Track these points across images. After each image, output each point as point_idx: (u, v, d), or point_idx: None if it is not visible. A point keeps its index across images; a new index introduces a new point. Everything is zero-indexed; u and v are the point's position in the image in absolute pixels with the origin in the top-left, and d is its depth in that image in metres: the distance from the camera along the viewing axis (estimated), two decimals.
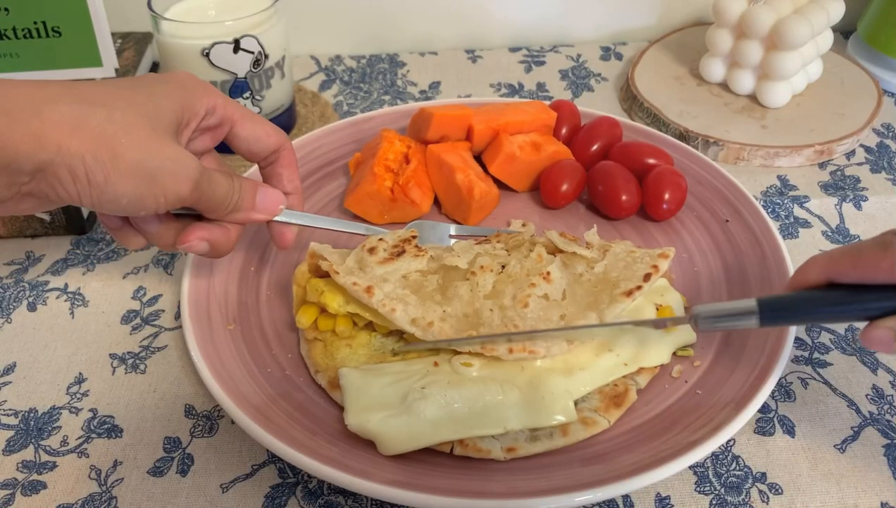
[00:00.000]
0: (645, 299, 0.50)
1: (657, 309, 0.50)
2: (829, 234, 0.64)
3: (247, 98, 0.68)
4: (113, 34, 0.75)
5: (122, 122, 0.39)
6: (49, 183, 0.38)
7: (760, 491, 0.45)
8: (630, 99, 0.79)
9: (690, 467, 0.47)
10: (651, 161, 0.62)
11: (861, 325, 0.41)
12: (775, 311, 0.41)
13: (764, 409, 0.50)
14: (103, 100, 0.39)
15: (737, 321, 0.42)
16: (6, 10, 0.64)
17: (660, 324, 0.47)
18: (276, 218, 0.50)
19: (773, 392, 0.51)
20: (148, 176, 0.40)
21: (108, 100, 0.40)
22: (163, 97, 0.43)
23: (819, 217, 0.66)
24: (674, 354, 0.50)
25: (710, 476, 0.46)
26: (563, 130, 0.67)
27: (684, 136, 0.72)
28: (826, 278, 0.41)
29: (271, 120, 0.71)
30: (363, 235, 0.55)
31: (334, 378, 0.47)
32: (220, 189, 0.45)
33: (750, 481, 0.46)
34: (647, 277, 0.48)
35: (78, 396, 0.52)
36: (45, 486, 0.46)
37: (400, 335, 0.50)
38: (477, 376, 0.46)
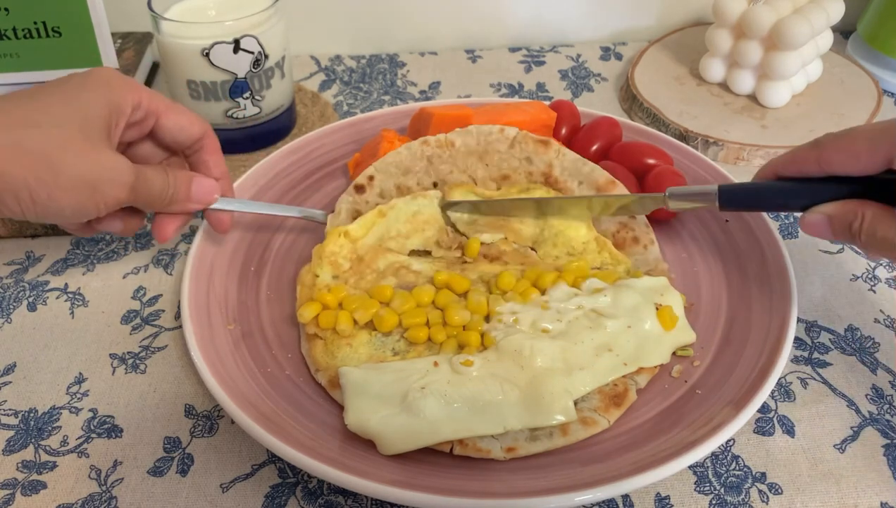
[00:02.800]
0: (644, 299, 0.50)
1: (657, 309, 0.50)
2: None
3: (247, 98, 0.68)
4: (113, 34, 0.75)
5: (58, 139, 0.42)
6: None
7: (760, 491, 0.46)
8: (630, 99, 0.79)
9: (690, 467, 0.47)
10: (651, 161, 0.62)
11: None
12: (731, 193, 0.49)
13: (764, 409, 0.50)
14: (37, 119, 0.42)
15: (701, 201, 0.50)
16: (6, 10, 0.64)
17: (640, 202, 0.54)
18: (211, 209, 0.53)
19: (772, 392, 0.51)
20: (88, 187, 0.43)
21: (41, 119, 0.42)
22: (91, 104, 0.44)
23: None
24: (673, 354, 0.50)
25: (710, 476, 0.46)
26: (563, 131, 0.67)
27: (684, 136, 0.73)
28: (773, 174, 0.48)
29: (271, 120, 0.71)
30: (297, 217, 0.58)
31: (334, 377, 0.47)
32: (156, 186, 0.48)
33: (749, 481, 0.46)
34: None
35: (78, 396, 0.52)
36: (45, 486, 0.46)
37: (401, 333, 0.50)
38: (477, 375, 0.46)
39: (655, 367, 0.49)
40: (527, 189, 0.58)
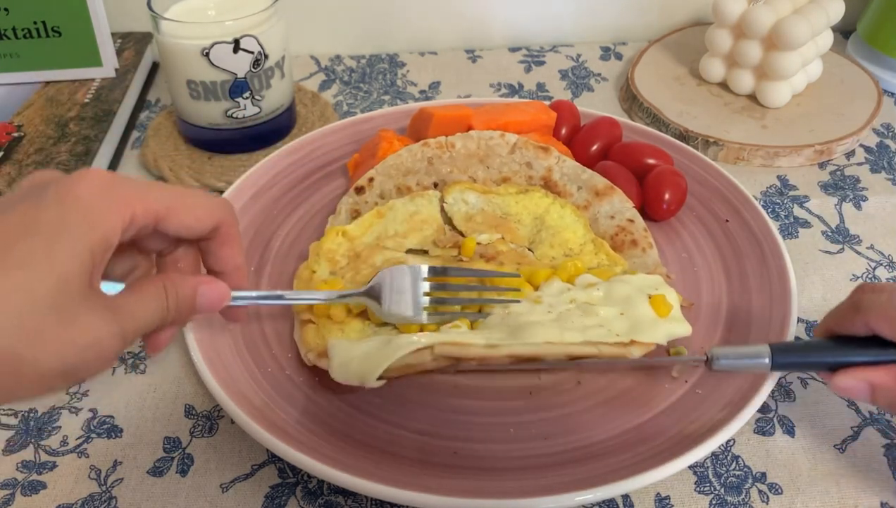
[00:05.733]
0: (637, 291, 0.50)
1: (649, 299, 0.49)
2: (829, 234, 0.64)
3: (247, 98, 0.68)
4: (113, 34, 0.75)
5: (18, 331, 0.32)
6: None
7: (760, 491, 0.46)
8: (630, 99, 0.79)
9: (690, 467, 0.47)
10: (651, 161, 0.62)
11: None
12: (784, 353, 0.44)
13: (764, 409, 0.50)
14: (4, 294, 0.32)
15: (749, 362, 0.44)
16: (6, 10, 0.64)
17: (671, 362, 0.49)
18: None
19: (773, 392, 0.51)
20: (63, 374, 0.34)
21: (7, 293, 0.32)
22: (66, 258, 0.34)
23: (819, 217, 0.66)
24: (668, 353, 0.50)
25: (710, 476, 0.46)
26: (563, 131, 0.67)
27: (684, 136, 0.73)
28: (826, 333, 0.44)
29: (271, 120, 0.71)
30: (321, 302, 0.49)
31: (323, 351, 0.47)
32: (153, 320, 0.39)
33: (750, 481, 0.46)
34: None
35: (78, 396, 0.52)
36: (45, 486, 0.46)
37: (393, 325, 0.50)
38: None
39: (650, 343, 0.47)
40: (525, 190, 0.58)
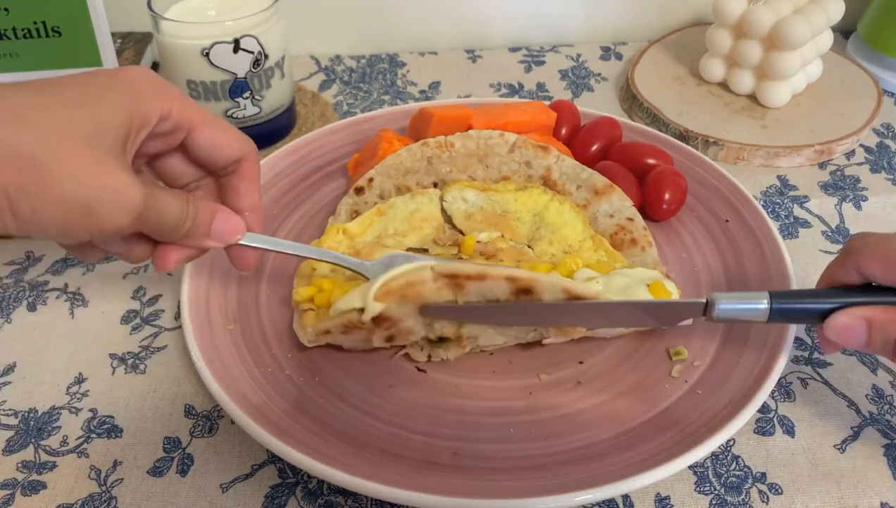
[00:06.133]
0: (636, 282, 0.50)
1: (648, 287, 0.49)
2: (829, 234, 0.64)
3: (247, 98, 0.68)
4: (113, 34, 0.75)
5: (54, 147, 0.35)
6: None
7: (760, 491, 0.46)
8: (630, 99, 0.79)
9: (690, 467, 0.47)
10: (651, 161, 0.62)
11: None
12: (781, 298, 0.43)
13: (764, 409, 0.50)
14: (34, 118, 0.35)
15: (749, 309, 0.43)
16: (6, 10, 0.64)
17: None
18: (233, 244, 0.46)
19: (772, 392, 0.51)
20: (81, 208, 0.36)
21: (39, 118, 0.35)
22: (109, 109, 0.38)
23: (819, 217, 0.66)
24: (669, 354, 0.50)
25: (710, 476, 0.46)
26: (563, 131, 0.67)
27: (684, 136, 0.73)
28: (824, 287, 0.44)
29: (271, 120, 0.71)
30: (329, 262, 0.50)
31: (323, 328, 0.47)
32: (170, 217, 0.41)
33: (750, 481, 0.46)
34: None
35: (78, 396, 0.52)
36: (45, 486, 0.46)
37: None
38: None
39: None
40: (524, 187, 0.58)
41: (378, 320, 0.45)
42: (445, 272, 0.44)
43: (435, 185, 0.59)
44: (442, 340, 0.50)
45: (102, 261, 0.62)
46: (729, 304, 0.43)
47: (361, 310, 0.45)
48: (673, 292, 0.49)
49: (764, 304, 0.43)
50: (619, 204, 0.58)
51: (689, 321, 0.48)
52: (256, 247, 0.47)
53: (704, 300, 0.44)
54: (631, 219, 0.57)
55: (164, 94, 0.41)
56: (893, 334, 0.39)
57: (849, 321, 0.41)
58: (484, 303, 0.45)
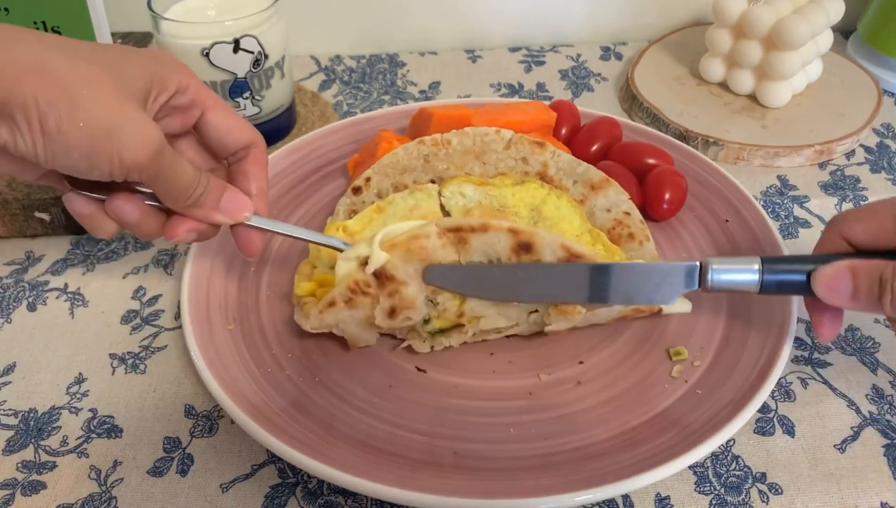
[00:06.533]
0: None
1: None
2: None
3: (247, 98, 0.68)
4: (113, 34, 0.75)
5: (84, 73, 0.37)
6: (5, 124, 0.36)
7: (760, 491, 0.46)
8: (630, 99, 0.79)
9: (690, 467, 0.47)
10: (651, 161, 0.62)
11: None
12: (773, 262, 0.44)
13: (764, 409, 0.50)
14: (70, 49, 0.38)
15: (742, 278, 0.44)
16: (6, 10, 0.64)
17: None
18: (240, 223, 0.47)
19: (772, 392, 0.51)
20: (105, 132, 0.37)
21: (75, 51, 0.38)
22: (133, 64, 0.40)
23: (819, 217, 0.66)
24: (669, 355, 0.50)
25: (710, 476, 0.46)
26: (563, 131, 0.67)
27: (684, 136, 0.73)
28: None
29: (271, 120, 0.71)
30: (335, 248, 0.50)
31: (327, 300, 0.47)
32: (184, 176, 0.42)
33: (750, 481, 0.46)
34: None
35: (78, 396, 0.52)
36: (45, 486, 0.46)
37: None
38: None
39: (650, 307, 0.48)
40: (521, 182, 0.58)
41: (382, 280, 0.45)
42: (450, 226, 0.46)
43: (433, 182, 0.59)
44: (443, 331, 0.50)
45: (103, 261, 0.62)
46: (722, 267, 0.44)
47: (366, 264, 0.46)
48: None
49: (756, 266, 0.43)
50: (616, 198, 0.57)
51: (687, 308, 0.49)
52: (263, 229, 0.48)
53: (698, 263, 0.45)
54: (628, 213, 0.57)
55: (183, 70, 0.43)
56: (877, 274, 0.39)
57: (833, 271, 0.41)
58: (486, 264, 0.47)
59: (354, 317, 0.48)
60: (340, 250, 0.49)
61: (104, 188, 0.42)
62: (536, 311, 0.50)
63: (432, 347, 0.51)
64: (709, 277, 0.44)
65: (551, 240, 0.46)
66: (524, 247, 0.46)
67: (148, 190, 0.43)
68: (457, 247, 0.46)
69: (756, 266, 0.44)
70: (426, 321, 0.50)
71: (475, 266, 0.47)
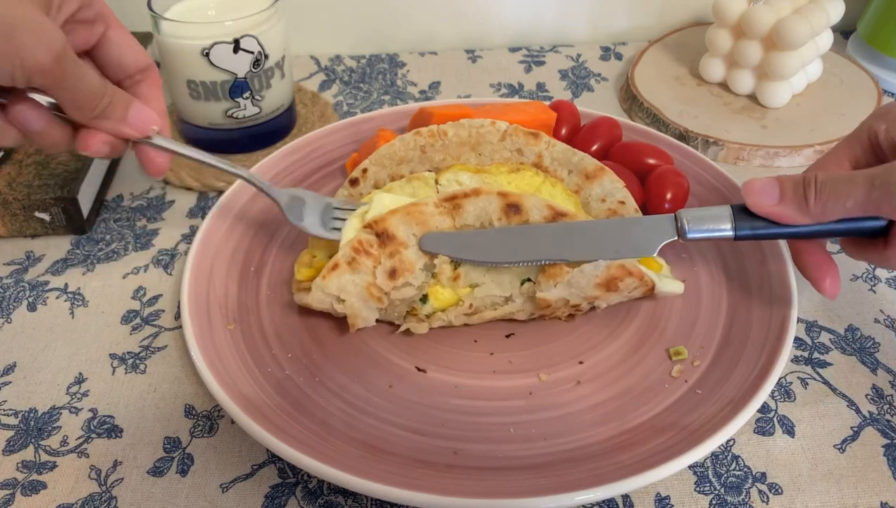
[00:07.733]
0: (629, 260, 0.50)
1: (640, 260, 0.50)
2: None
3: (247, 98, 0.68)
4: None
5: None
6: None
7: (760, 491, 0.46)
8: (630, 99, 0.79)
9: (690, 467, 0.47)
10: (651, 161, 0.62)
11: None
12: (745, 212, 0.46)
13: (764, 409, 0.50)
14: None
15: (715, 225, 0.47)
16: None
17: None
18: (148, 141, 0.47)
19: (772, 392, 0.51)
20: (4, 33, 0.36)
21: None
22: None
23: None
24: (668, 354, 0.50)
25: (710, 476, 0.46)
26: (563, 131, 0.67)
27: (684, 136, 0.73)
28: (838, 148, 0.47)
29: (271, 120, 0.71)
30: (243, 178, 0.53)
31: (329, 266, 0.49)
32: (90, 83, 0.42)
33: (750, 481, 0.46)
34: None
35: (78, 396, 0.52)
36: (45, 486, 0.46)
37: None
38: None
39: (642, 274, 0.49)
40: (517, 169, 0.58)
41: (383, 239, 0.48)
42: (445, 196, 0.50)
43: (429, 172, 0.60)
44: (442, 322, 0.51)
45: (103, 261, 0.62)
46: (695, 214, 0.47)
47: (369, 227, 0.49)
48: (664, 266, 0.52)
49: (727, 212, 0.46)
50: (611, 187, 0.57)
51: (679, 289, 0.51)
52: (168, 149, 0.48)
53: (674, 215, 0.48)
54: (622, 202, 0.57)
55: None
56: (801, 179, 0.43)
57: (762, 181, 0.44)
58: (478, 228, 0.50)
59: (356, 284, 0.48)
60: (246, 180, 0.53)
61: (7, 94, 0.41)
62: (529, 279, 0.51)
63: (430, 327, 0.51)
64: (684, 225, 0.47)
65: (537, 201, 0.50)
66: (513, 208, 0.50)
67: (52, 100, 0.42)
68: (451, 214, 0.50)
69: (727, 212, 0.46)
70: (424, 301, 0.50)
71: (468, 231, 0.50)
